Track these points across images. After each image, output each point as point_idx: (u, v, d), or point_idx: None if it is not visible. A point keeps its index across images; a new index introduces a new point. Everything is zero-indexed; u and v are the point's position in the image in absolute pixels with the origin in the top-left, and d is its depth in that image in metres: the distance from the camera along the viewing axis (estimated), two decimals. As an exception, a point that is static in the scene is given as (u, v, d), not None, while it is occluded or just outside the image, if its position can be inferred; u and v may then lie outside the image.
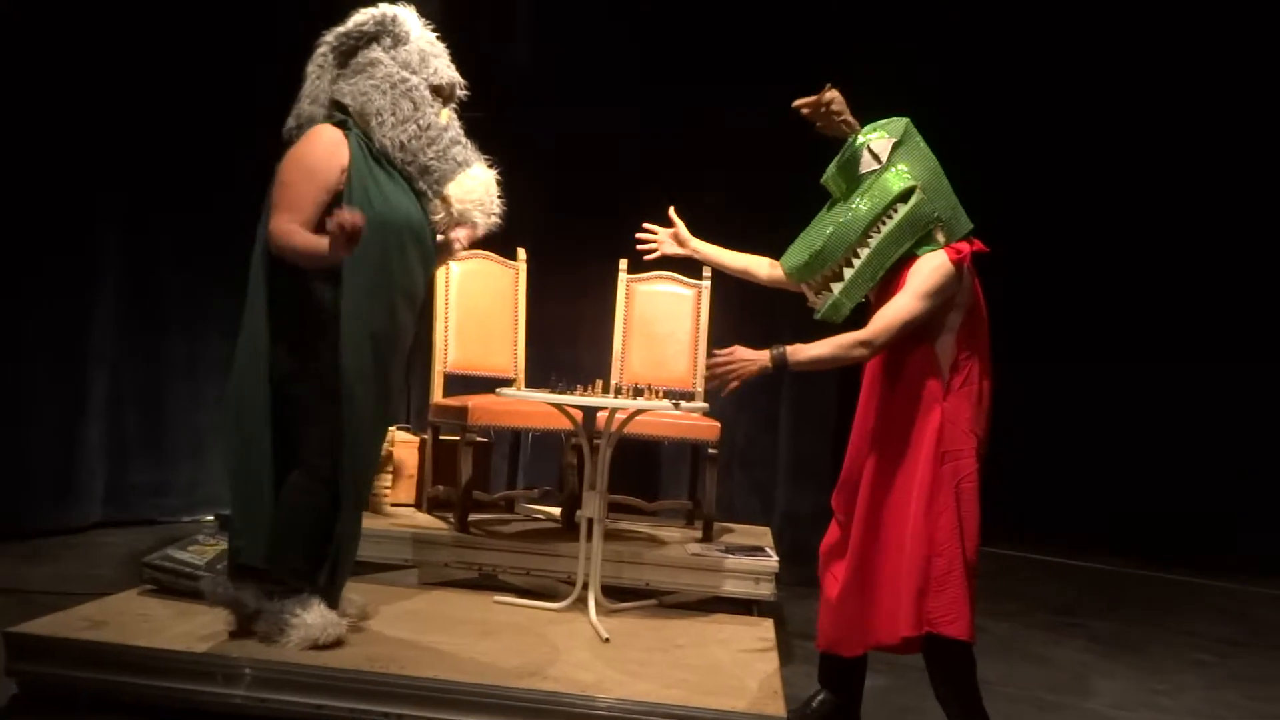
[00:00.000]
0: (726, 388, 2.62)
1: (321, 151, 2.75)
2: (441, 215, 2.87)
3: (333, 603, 2.88)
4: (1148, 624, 4.68)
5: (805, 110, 2.76)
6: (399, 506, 4.32)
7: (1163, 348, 6.35)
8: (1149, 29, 5.96)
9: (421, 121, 2.81)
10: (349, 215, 2.46)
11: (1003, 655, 3.88)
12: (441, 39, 3.03)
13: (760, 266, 3.02)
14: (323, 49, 2.89)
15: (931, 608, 2.57)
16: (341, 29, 2.89)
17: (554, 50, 5.55)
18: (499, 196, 2.97)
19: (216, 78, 5.08)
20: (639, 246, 3.17)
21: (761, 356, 2.60)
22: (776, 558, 3.87)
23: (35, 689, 2.73)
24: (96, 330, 4.95)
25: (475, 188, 2.88)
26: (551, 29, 5.59)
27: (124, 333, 5.06)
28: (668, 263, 4.54)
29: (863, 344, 2.59)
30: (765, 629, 3.46)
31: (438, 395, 4.23)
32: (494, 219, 2.96)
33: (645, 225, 3.16)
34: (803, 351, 2.62)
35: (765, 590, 3.75)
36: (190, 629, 2.86)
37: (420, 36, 2.92)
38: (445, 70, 2.93)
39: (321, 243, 2.59)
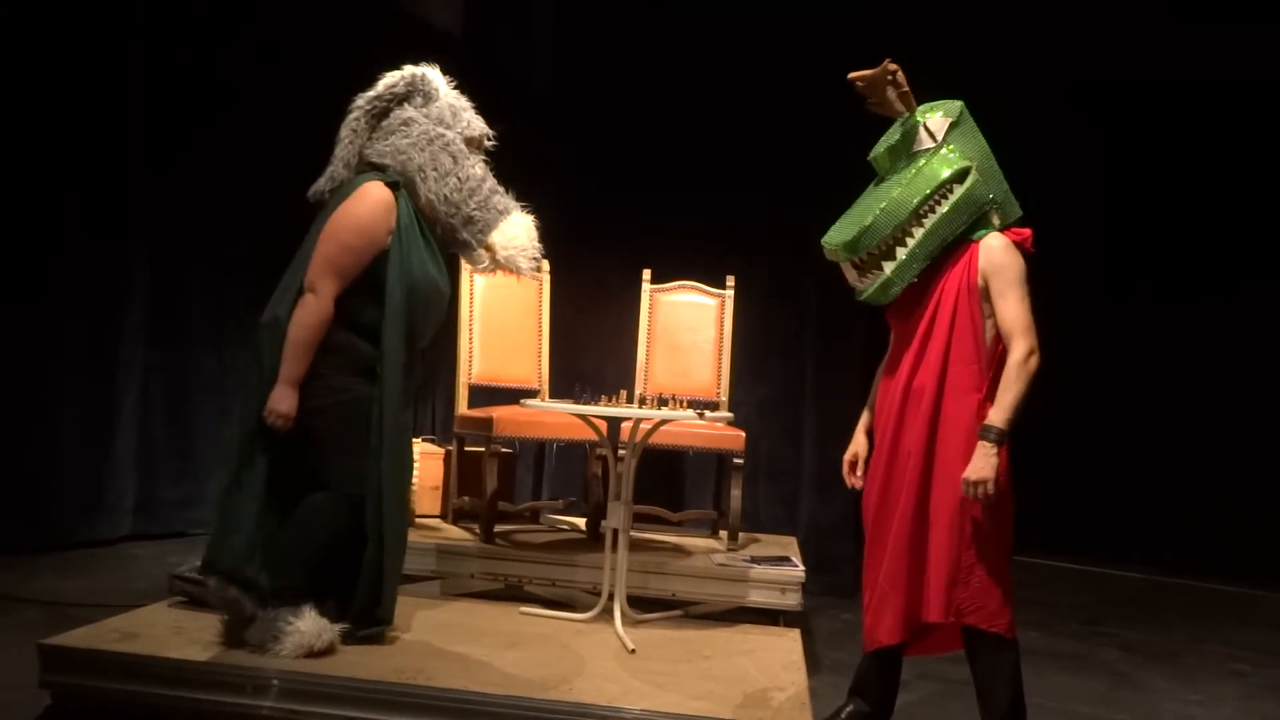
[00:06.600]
0: (985, 496, 2.51)
1: (375, 213, 2.84)
2: (486, 263, 2.99)
3: (355, 622, 2.94)
4: (1181, 634, 4.62)
5: (860, 84, 2.71)
6: (424, 518, 4.34)
7: (1193, 352, 6.29)
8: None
9: (461, 174, 2.90)
10: (280, 421, 2.78)
11: (1034, 665, 3.82)
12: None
13: None
14: (355, 113, 2.95)
15: (960, 598, 2.58)
16: (373, 92, 2.96)
17: (577, 62, 5.59)
18: (537, 240, 3.04)
19: (253, 103, 5.15)
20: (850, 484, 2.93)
21: (986, 451, 2.50)
22: (802, 567, 3.85)
23: (68, 701, 2.76)
24: (126, 344, 5.01)
25: (519, 234, 2.97)
26: (575, 43, 5.63)
27: (154, 347, 5.12)
28: (690, 272, 4.61)
29: (1030, 353, 2.54)
30: (792, 639, 3.44)
31: (462, 407, 4.25)
32: (536, 262, 3.05)
33: (849, 474, 2.89)
34: (1001, 413, 2.53)
35: (791, 600, 3.74)
36: (219, 640, 2.87)
37: (448, 93, 3.01)
38: (476, 122, 3.02)
39: (297, 359, 2.77)
